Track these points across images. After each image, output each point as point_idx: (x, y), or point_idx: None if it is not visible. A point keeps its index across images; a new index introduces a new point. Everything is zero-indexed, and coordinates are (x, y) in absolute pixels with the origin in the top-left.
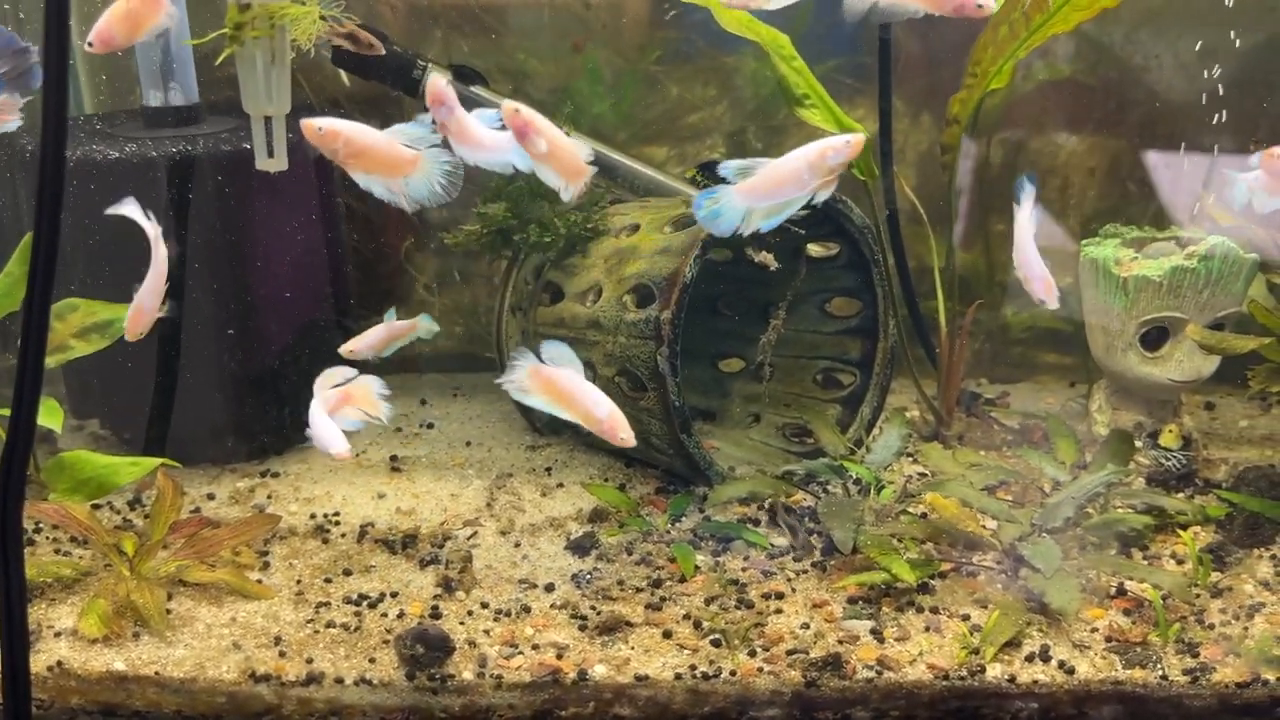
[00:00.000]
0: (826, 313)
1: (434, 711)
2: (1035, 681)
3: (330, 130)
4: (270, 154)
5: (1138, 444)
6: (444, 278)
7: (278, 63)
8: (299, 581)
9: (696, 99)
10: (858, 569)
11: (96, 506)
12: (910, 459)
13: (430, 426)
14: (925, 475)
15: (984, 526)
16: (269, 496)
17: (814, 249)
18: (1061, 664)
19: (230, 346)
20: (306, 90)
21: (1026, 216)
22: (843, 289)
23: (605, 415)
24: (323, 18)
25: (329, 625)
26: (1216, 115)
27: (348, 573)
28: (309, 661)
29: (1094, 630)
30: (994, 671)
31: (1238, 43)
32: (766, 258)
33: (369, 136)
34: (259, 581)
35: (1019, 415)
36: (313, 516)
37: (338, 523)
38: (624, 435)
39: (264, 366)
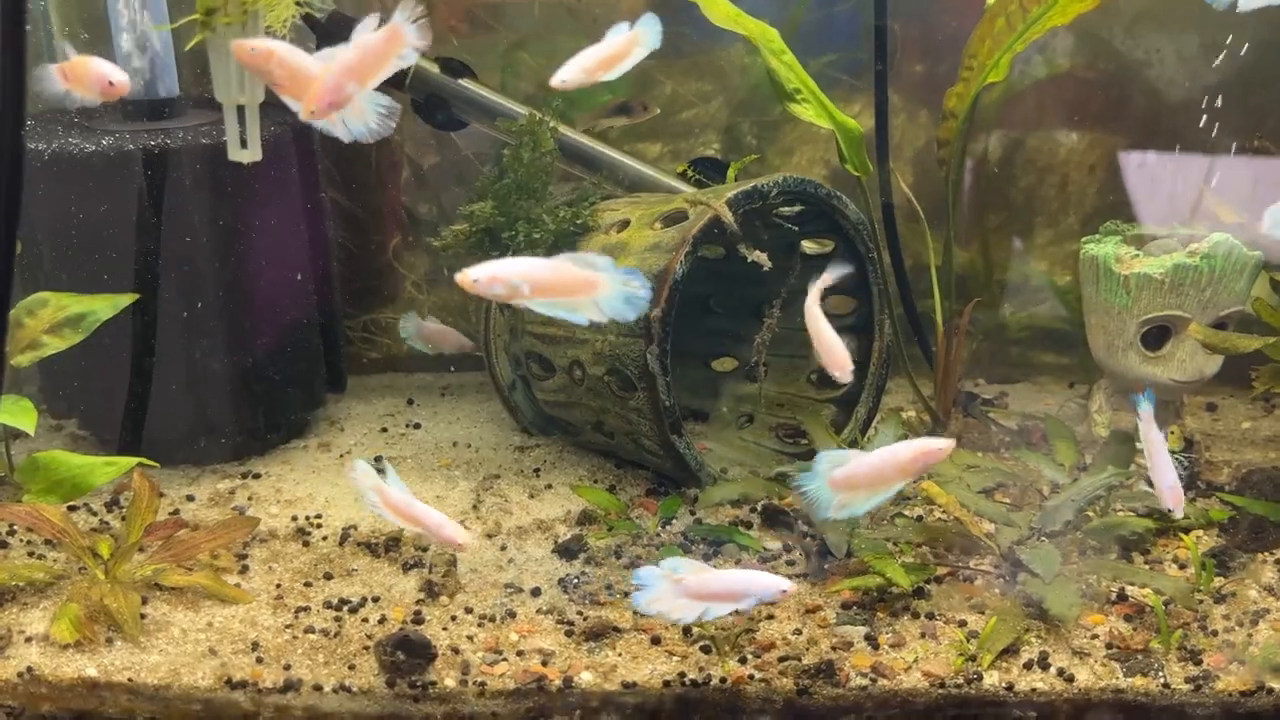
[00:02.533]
0: (822, 311)
1: None
2: (1034, 689)
3: (264, 50)
4: (244, 145)
5: (1138, 445)
6: (433, 275)
7: None
8: (278, 585)
9: (690, 94)
10: (852, 573)
11: (73, 508)
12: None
13: (417, 427)
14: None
15: (982, 530)
16: (250, 498)
17: (809, 246)
18: (1061, 671)
19: (210, 345)
20: None
21: (1153, 429)
22: (838, 287)
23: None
24: (297, 3)
25: (308, 631)
26: (1218, 110)
27: (329, 576)
28: (287, 668)
29: (1094, 636)
30: (991, 679)
31: (1239, 37)
32: (760, 256)
33: (302, 59)
34: (237, 585)
35: (1017, 416)
36: (294, 519)
37: (319, 525)
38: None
39: (245, 365)
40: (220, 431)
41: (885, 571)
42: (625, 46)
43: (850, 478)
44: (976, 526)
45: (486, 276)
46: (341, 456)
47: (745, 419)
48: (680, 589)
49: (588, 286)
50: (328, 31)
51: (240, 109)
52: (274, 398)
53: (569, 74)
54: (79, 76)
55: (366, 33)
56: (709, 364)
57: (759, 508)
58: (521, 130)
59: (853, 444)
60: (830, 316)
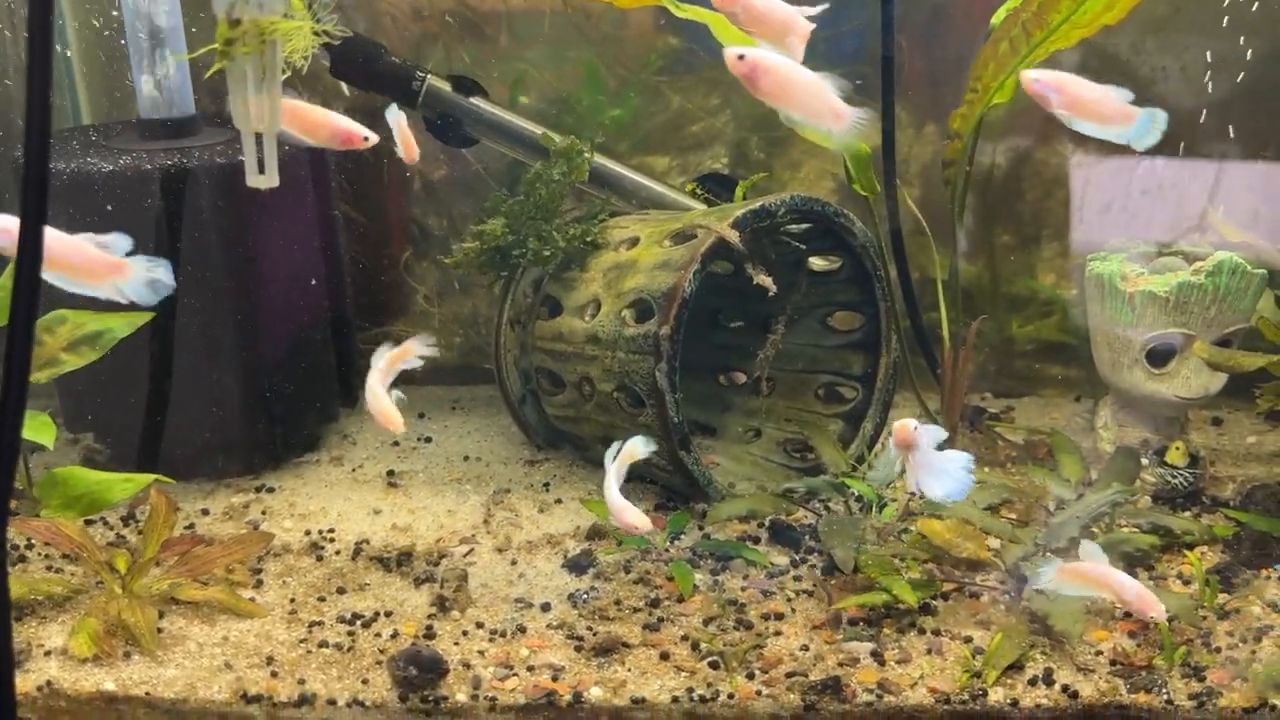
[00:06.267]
0: (828, 327)
1: None
2: (1038, 705)
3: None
4: (261, 170)
5: (1144, 461)
6: (444, 288)
7: (269, 79)
8: (292, 600)
9: (698, 109)
10: (859, 589)
11: (90, 523)
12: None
13: (428, 441)
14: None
15: (988, 546)
16: (264, 512)
17: (816, 263)
18: (1065, 688)
19: (225, 360)
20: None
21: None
22: (844, 303)
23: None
24: (315, 33)
25: (322, 645)
26: (1224, 127)
27: (341, 591)
28: (301, 682)
29: (1098, 653)
30: (996, 695)
31: (1246, 53)
32: (765, 280)
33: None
34: (252, 600)
35: (1024, 431)
36: (307, 533)
37: (332, 539)
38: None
39: (260, 381)
40: (235, 446)
41: (892, 588)
42: None
43: (1083, 574)
44: (982, 543)
45: None
46: (354, 470)
47: (753, 434)
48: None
49: (108, 269)
50: (344, 55)
51: (258, 136)
52: (288, 413)
53: None
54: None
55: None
56: (717, 378)
57: (767, 523)
58: (558, 153)
59: (860, 459)
60: (837, 332)
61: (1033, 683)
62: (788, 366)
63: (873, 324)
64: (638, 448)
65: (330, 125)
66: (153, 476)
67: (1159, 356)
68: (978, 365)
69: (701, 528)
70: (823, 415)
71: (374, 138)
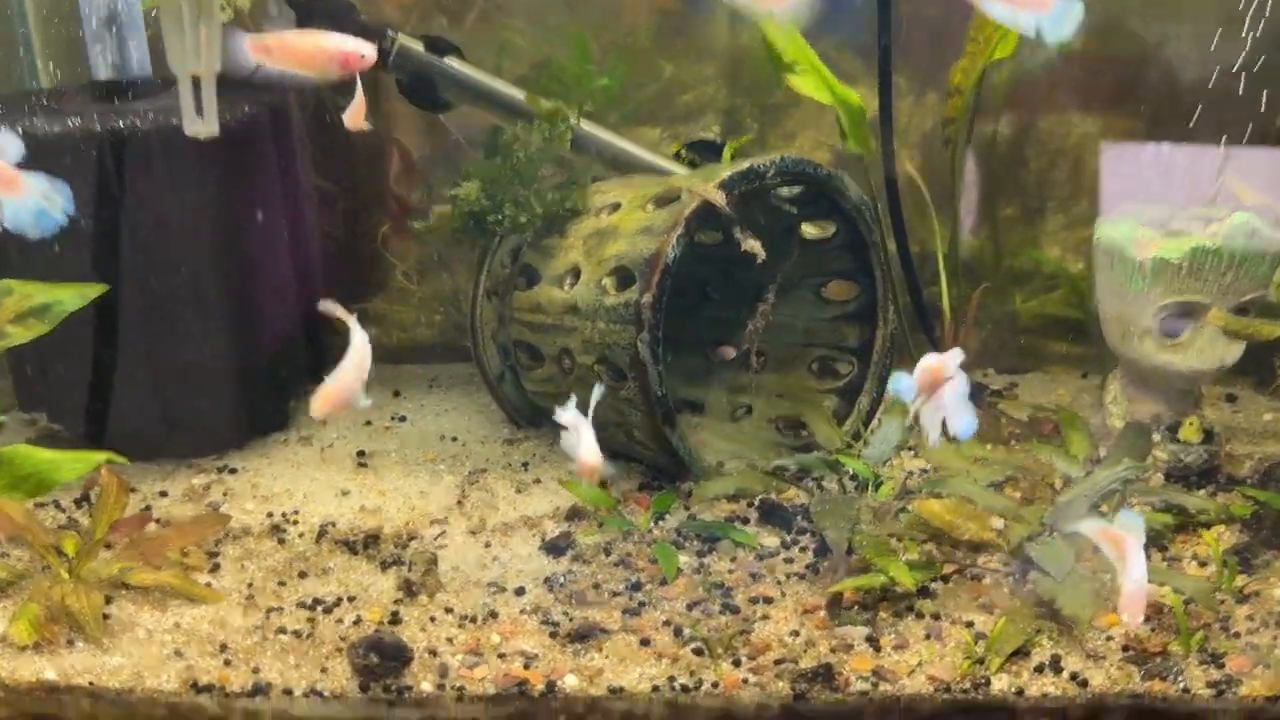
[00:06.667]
0: (822, 298)
1: None
2: (1045, 694)
3: None
4: (200, 114)
5: (1155, 438)
6: (424, 264)
7: (205, 16)
8: (250, 585)
9: (690, 77)
10: (853, 571)
11: (41, 505)
12: (911, 453)
13: (403, 420)
14: (927, 471)
15: (990, 526)
16: (225, 494)
17: (808, 230)
18: (1074, 675)
19: (184, 335)
20: None
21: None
22: (839, 272)
23: None
24: None
25: (279, 632)
26: (1238, 90)
27: (303, 575)
28: (256, 671)
29: (1109, 639)
30: (1000, 683)
31: (1258, 16)
32: (754, 245)
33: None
34: (208, 584)
35: (1028, 407)
36: (269, 515)
37: (296, 522)
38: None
39: (221, 357)
40: (196, 425)
41: (888, 570)
42: None
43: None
44: (985, 523)
45: None
46: (323, 450)
47: (744, 410)
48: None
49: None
50: (309, 14)
51: (195, 80)
52: (252, 390)
53: None
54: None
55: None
56: (706, 353)
57: (756, 503)
58: (542, 116)
59: (855, 436)
60: (831, 303)
61: (1039, 670)
62: (780, 340)
63: (868, 294)
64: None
65: (324, 50)
66: (105, 455)
67: (1172, 327)
68: (979, 341)
69: (687, 508)
70: (816, 391)
71: (372, 53)
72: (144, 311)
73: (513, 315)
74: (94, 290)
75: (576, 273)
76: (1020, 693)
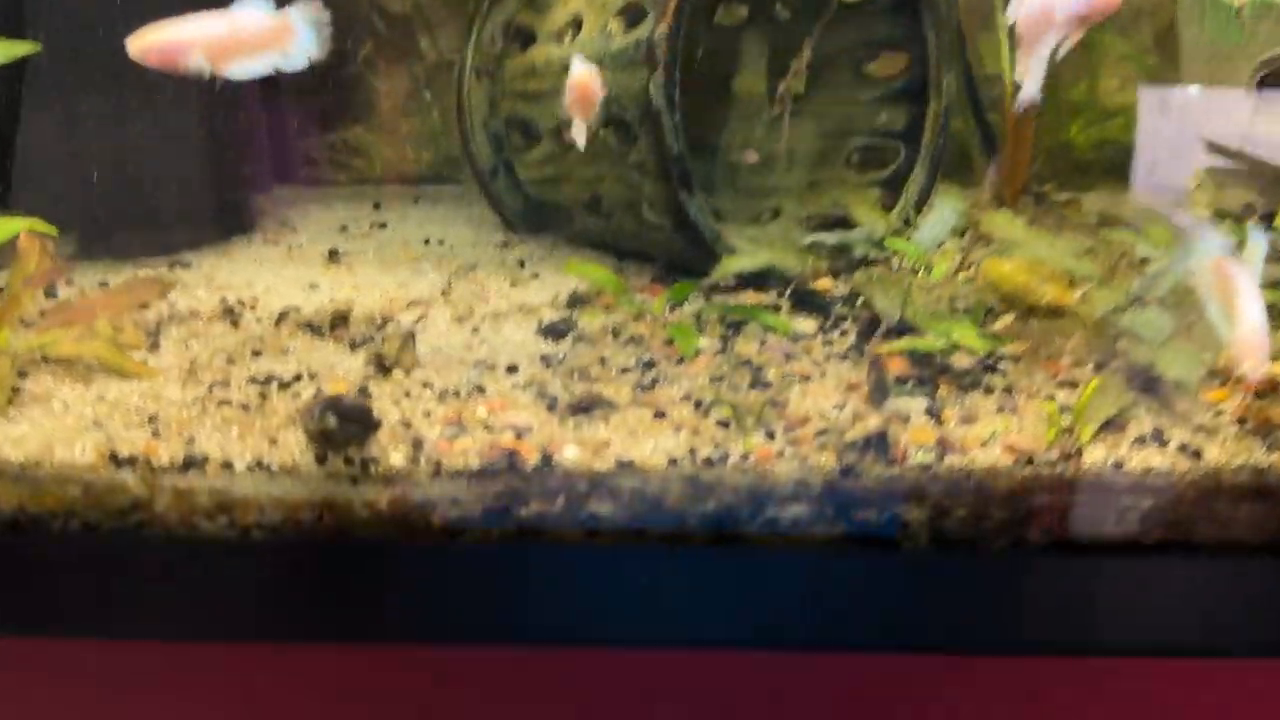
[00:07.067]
0: (863, 76)
1: (354, 508)
2: (1150, 468)
3: None
4: None
5: (1249, 226)
6: (412, 96)
7: None
8: (193, 362)
9: None
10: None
11: None
12: (967, 240)
13: (383, 226)
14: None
15: (1070, 293)
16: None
17: None
18: (1184, 446)
19: (134, 123)
20: None
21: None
22: (885, 40)
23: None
24: None
25: (223, 404)
26: None
27: (257, 354)
28: (190, 441)
29: (1219, 414)
30: (1094, 454)
31: None
32: None
33: None
34: (143, 362)
35: (1094, 216)
36: (223, 301)
37: (254, 308)
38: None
39: (175, 149)
40: (146, 221)
41: (952, 333)
42: None
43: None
44: (1064, 288)
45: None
46: (290, 249)
47: (770, 214)
48: None
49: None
50: None
51: None
52: (209, 188)
53: None
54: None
55: None
56: (727, 160)
57: (788, 293)
58: None
59: (905, 224)
60: (874, 82)
61: (1140, 442)
62: (813, 130)
63: (919, 66)
64: None
65: None
66: (25, 221)
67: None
68: (1034, 167)
69: (708, 297)
70: (856, 185)
71: None
72: (73, 89)
73: (506, 89)
74: (22, 48)
75: (578, 23)
76: (1119, 466)
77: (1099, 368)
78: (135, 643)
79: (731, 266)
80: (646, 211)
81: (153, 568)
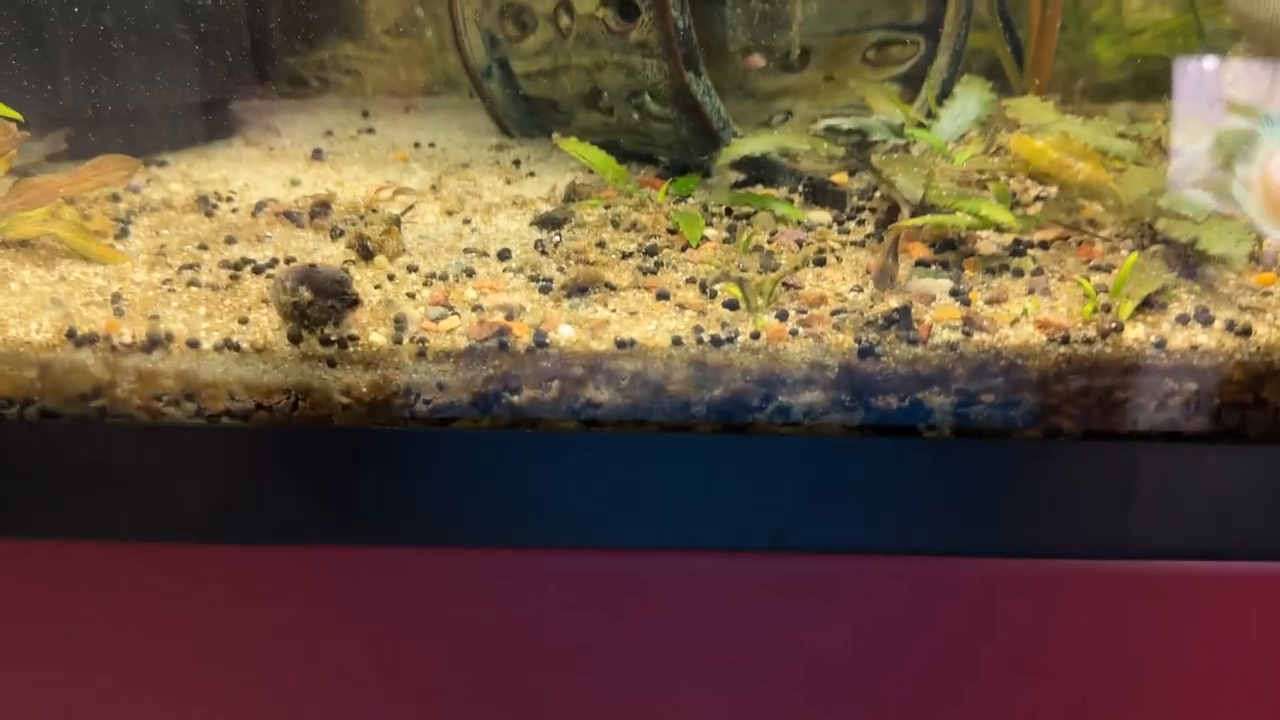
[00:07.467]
0: None
1: (330, 392)
2: (1194, 347)
3: None
4: None
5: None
6: (406, 18)
7: None
8: (163, 247)
9: None
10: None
11: None
12: (991, 135)
13: (370, 132)
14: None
15: (1105, 179)
16: (147, 181)
17: None
18: (1231, 324)
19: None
20: None
21: None
22: None
23: None
24: None
25: (191, 285)
26: None
27: (232, 241)
28: (154, 319)
29: (1266, 295)
30: (1134, 333)
31: None
32: None
33: None
34: (110, 246)
35: (1125, 120)
36: (198, 193)
37: (230, 199)
38: None
39: (146, 47)
40: (123, 120)
41: (979, 210)
42: None
43: None
44: (1099, 165)
45: None
46: (271, 149)
47: (782, 116)
48: None
49: None
50: None
51: None
52: (185, 88)
53: None
54: None
55: None
56: (735, 64)
57: (801, 187)
58: None
59: (928, 116)
60: None
61: (1182, 321)
62: (826, 28)
63: None
64: None
65: None
66: None
67: None
68: (1057, 85)
69: (712, 188)
70: (873, 81)
71: None
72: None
73: None
74: None
75: None
76: (1162, 345)
77: (1139, 248)
78: (94, 543)
79: (739, 149)
80: (649, 102)
81: (117, 459)
